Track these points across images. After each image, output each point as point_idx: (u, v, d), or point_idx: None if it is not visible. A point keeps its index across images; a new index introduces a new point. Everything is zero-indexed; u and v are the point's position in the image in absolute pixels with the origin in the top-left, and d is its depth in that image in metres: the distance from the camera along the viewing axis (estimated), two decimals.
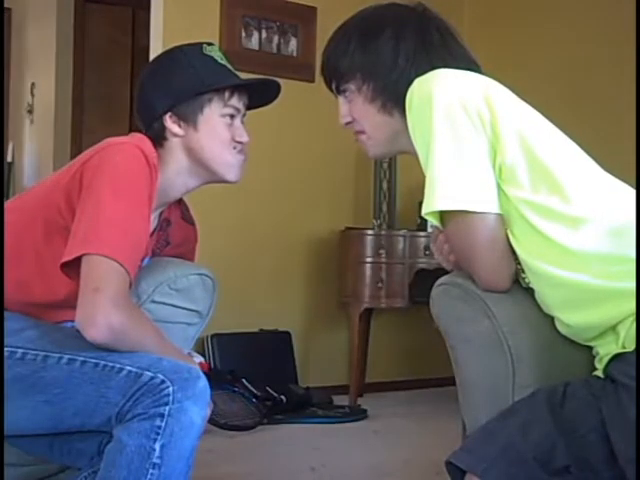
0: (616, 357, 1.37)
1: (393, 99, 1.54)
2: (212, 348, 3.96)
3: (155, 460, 1.47)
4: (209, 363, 3.91)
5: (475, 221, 1.42)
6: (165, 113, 1.78)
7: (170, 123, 1.79)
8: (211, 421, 2.95)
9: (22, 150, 5.98)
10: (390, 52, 1.54)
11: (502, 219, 1.44)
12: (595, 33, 4.06)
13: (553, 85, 4.13)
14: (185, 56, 1.81)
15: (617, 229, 1.39)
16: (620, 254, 1.37)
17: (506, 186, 1.42)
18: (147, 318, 1.65)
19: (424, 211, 1.45)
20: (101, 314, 1.50)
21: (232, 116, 1.81)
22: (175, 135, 1.79)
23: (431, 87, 1.44)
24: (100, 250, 1.54)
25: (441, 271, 1.60)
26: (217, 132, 1.79)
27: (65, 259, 1.56)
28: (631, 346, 1.34)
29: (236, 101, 1.81)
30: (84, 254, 1.55)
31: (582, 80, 4.10)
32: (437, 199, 1.41)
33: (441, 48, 1.55)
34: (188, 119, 1.78)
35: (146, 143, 1.73)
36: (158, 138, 1.79)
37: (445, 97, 1.42)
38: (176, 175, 1.81)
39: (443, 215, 1.45)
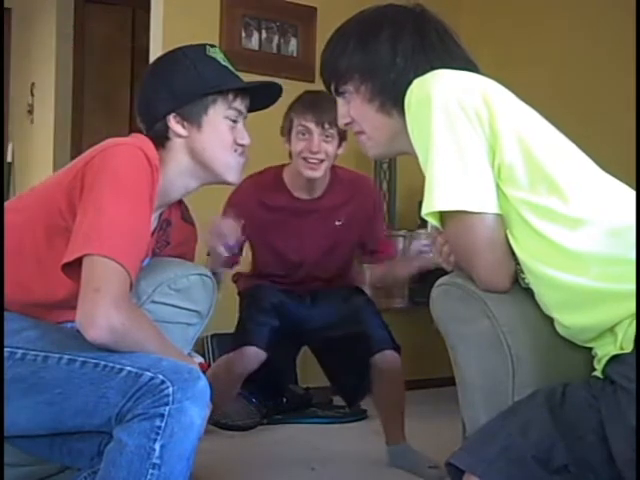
0: (614, 358, 1.37)
1: (392, 99, 1.54)
2: (212, 348, 3.96)
3: (155, 460, 1.47)
4: (209, 363, 3.90)
5: (474, 221, 1.42)
6: (169, 114, 1.79)
7: (174, 124, 1.79)
8: (211, 421, 2.95)
9: (22, 150, 5.98)
10: (388, 52, 1.54)
11: (501, 219, 1.43)
12: (595, 32, 4.05)
13: (552, 85, 4.13)
14: (188, 58, 1.81)
15: (616, 230, 1.39)
16: (619, 255, 1.37)
17: (505, 186, 1.42)
18: (147, 319, 1.65)
19: (424, 211, 1.45)
20: (102, 315, 1.50)
21: (235, 118, 1.82)
22: (179, 136, 1.80)
23: (429, 87, 1.44)
24: (101, 251, 1.54)
25: (441, 271, 1.60)
26: (220, 134, 1.80)
27: (66, 260, 1.56)
28: (629, 347, 1.34)
29: (239, 103, 1.82)
30: (85, 255, 1.55)
31: (581, 79, 4.09)
32: (436, 199, 1.41)
33: (439, 48, 1.55)
34: (192, 120, 1.79)
35: (148, 144, 1.73)
36: (160, 139, 1.79)
37: (443, 97, 1.42)
38: (177, 176, 1.81)
39: (443, 215, 1.45)
